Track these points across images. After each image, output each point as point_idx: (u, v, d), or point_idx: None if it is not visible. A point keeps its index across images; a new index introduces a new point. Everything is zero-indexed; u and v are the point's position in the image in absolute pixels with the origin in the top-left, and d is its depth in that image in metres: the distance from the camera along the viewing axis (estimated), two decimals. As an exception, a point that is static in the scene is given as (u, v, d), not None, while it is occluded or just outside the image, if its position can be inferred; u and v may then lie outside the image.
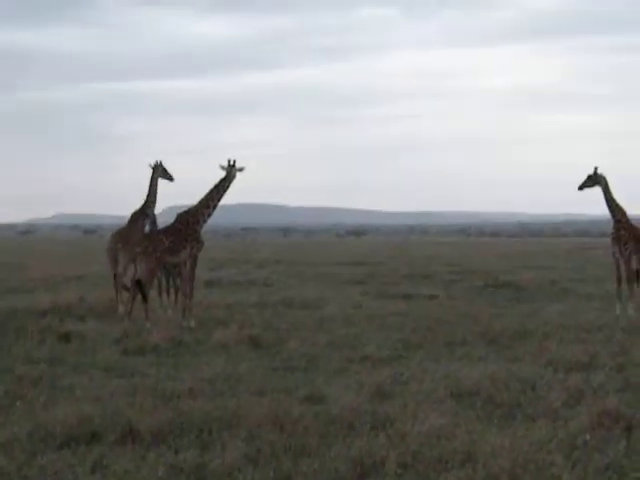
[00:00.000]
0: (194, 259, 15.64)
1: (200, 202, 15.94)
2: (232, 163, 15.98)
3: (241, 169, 16.05)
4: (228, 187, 16.00)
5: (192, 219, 15.79)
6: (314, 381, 10.07)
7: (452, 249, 58.00)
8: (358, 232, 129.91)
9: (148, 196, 17.76)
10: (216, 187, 15.96)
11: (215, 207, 15.98)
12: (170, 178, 17.61)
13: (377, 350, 12.23)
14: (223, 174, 16.01)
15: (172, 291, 17.29)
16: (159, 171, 17.70)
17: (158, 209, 18.33)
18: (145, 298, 15.01)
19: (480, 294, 21.79)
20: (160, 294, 17.42)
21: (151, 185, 17.72)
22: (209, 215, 15.97)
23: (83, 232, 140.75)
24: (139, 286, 15.05)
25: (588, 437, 7.40)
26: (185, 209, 16.06)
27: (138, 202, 17.83)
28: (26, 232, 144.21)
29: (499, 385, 9.54)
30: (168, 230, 15.72)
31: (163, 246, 15.37)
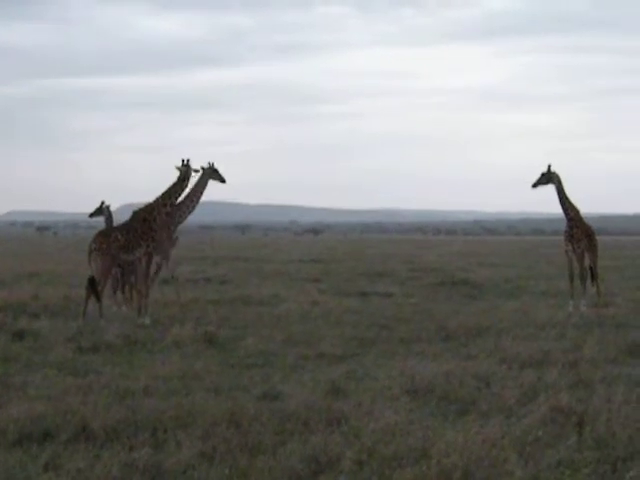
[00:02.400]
0: (149, 257, 15.58)
1: (157, 200, 15.92)
2: (186, 163, 16.13)
3: (196, 170, 16.21)
4: (185, 187, 16.12)
5: (148, 216, 15.74)
6: (270, 378, 10.08)
7: (409, 247, 58.26)
8: (315, 230, 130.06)
9: (186, 198, 17.64)
10: (174, 186, 16.02)
11: (172, 205, 15.99)
12: (222, 180, 17.44)
13: (332, 347, 12.26)
14: (178, 173, 16.12)
15: (127, 288, 17.20)
16: (209, 173, 17.40)
17: (113, 206, 18.28)
18: (98, 296, 14.89)
19: (436, 292, 21.91)
20: (115, 291, 17.32)
21: (196, 186, 17.34)
22: (166, 213, 15.94)
23: (36, 229, 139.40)
24: (92, 283, 14.93)
25: (541, 433, 7.47)
26: (141, 206, 16.00)
27: (93, 199, 17.84)
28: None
29: (454, 382, 9.60)
30: (124, 227, 15.63)
31: (118, 243, 15.27)
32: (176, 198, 16.04)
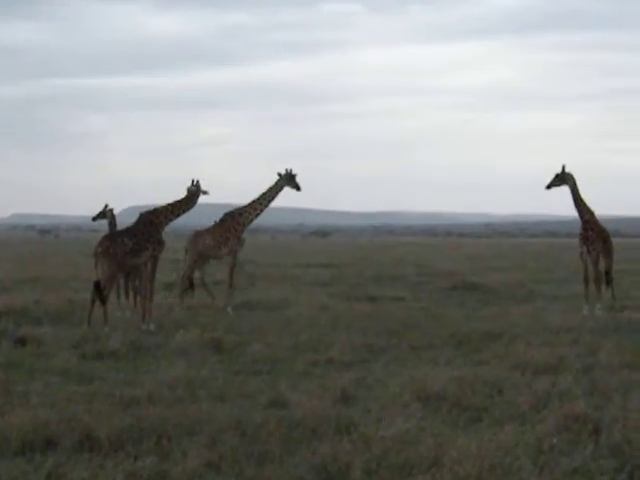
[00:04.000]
0: (155, 260, 15.64)
1: (166, 206, 16.07)
2: (196, 183, 16.35)
3: (205, 192, 16.45)
4: (193, 205, 16.35)
5: (155, 220, 15.85)
6: (277, 385, 10.07)
7: (419, 250, 58.25)
8: (323, 233, 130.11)
9: (255, 200, 18.36)
10: (185, 199, 16.18)
11: (178, 216, 16.27)
12: (298, 188, 18.36)
13: (341, 353, 12.25)
14: (197, 190, 16.55)
15: (131, 293, 17.24)
16: (284, 180, 18.31)
17: (117, 209, 18.33)
18: (103, 301, 14.93)
19: (447, 296, 21.91)
20: (119, 296, 17.35)
21: (269, 190, 18.30)
22: (171, 220, 16.18)
23: (38, 232, 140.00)
24: (97, 288, 14.96)
25: (555, 441, 7.46)
26: (149, 209, 16.09)
27: (96, 202, 18.00)
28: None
29: (466, 389, 9.58)
30: (130, 231, 15.69)
31: (125, 247, 15.32)
32: (183, 212, 16.27)
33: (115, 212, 18.21)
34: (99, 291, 14.95)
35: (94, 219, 18.44)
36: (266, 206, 18.57)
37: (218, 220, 18.53)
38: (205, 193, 16.55)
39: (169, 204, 16.14)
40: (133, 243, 15.44)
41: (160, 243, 15.76)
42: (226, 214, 18.57)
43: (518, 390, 9.60)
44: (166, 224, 16.12)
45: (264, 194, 18.52)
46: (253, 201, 18.51)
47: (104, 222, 18.28)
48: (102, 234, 16.65)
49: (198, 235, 18.37)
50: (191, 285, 18.28)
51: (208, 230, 18.42)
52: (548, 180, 17.85)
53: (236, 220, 18.37)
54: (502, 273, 30.29)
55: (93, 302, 15.03)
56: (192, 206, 16.42)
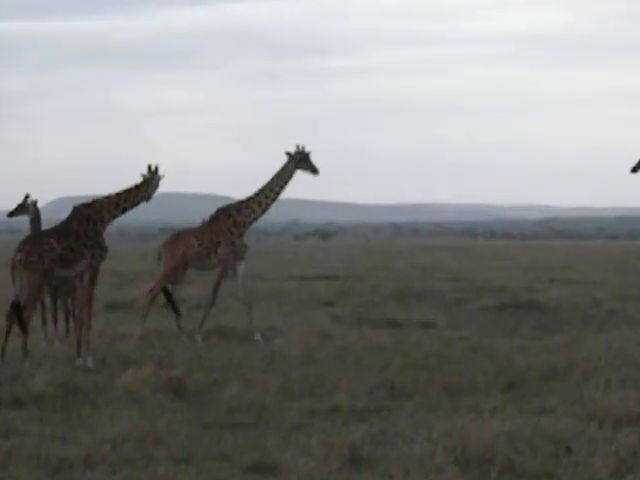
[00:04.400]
0: (94, 272, 15.63)
1: (108, 197, 16.00)
2: (154, 169, 16.31)
3: (160, 177, 16.55)
4: (149, 196, 16.34)
5: (94, 215, 15.79)
6: (262, 443, 10.11)
7: (455, 256, 58.40)
8: (324, 233, 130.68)
9: (260, 192, 18.57)
10: (137, 188, 16.19)
11: (125, 211, 16.15)
12: (314, 170, 18.72)
13: (351, 398, 12.30)
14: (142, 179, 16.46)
15: (62, 316, 17.24)
16: (295, 162, 18.57)
17: (41, 202, 18.35)
18: (24, 327, 14.95)
19: (494, 320, 21.98)
20: (44, 321, 17.36)
21: (276, 177, 18.56)
22: (115, 216, 16.09)
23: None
24: (16, 310, 14.98)
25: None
26: (85, 202, 16.05)
27: (13, 192, 18.00)
28: None
29: (521, 447, 9.63)
30: (61, 231, 15.67)
31: (53, 254, 15.30)
32: (132, 205, 16.21)
33: (40, 205, 18.24)
34: (18, 314, 14.97)
35: (11, 215, 18.49)
36: (274, 199, 18.63)
37: (209, 218, 18.47)
38: (160, 178, 16.52)
39: (113, 194, 16.10)
40: (64, 248, 15.43)
41: (101, 248, 15.74)
42: (219, 210, 18.50)
43: (593, 448, 9.64)
44: (109, 222, 16.08)
45: (271, 182, 18.51)
46: (256, 193, 18.53)
47: (25, 219, 18.31)
48: (22, 235, 16.65)
49: (179, 237, 18.31)
50: (169, 299, 18.14)
51: (194, 231, 18.37)
52: (634, 162, 17.89)
53: (233, 219, 18.31)
54: (569, 288, 30.35)
55: (9, 329, 15.04)
56: (146, 198, 16.38)
